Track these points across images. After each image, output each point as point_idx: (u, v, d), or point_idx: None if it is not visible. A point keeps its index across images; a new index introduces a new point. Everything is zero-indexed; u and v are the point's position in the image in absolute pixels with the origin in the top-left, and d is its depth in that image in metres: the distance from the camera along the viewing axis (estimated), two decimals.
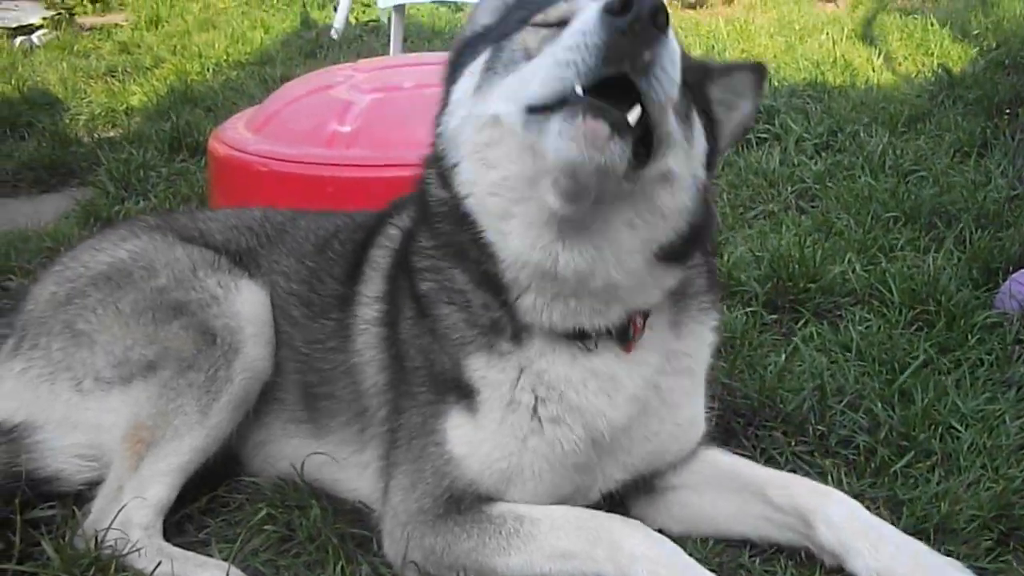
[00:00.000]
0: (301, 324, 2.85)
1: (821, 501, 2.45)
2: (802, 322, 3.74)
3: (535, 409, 2.39)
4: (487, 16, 2.52)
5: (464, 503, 2.41)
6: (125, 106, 7.28)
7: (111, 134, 6.73)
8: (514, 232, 2.23)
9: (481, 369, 2.42)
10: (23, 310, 2.93)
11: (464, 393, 2.43)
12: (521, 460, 2.40)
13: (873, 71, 7.67)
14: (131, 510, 2.55)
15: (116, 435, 2.67)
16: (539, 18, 2.24)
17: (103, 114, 7.13)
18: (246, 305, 2.82)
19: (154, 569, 2.45)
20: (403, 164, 3.84)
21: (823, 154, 5.65)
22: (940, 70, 7.10)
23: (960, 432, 2.99)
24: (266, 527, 2.66)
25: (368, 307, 2.71)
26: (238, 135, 4.25)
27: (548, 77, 2.01)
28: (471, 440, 2.42)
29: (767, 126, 6.01)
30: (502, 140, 2.18)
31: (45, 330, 2.81)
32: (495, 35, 2.36)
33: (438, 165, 2.38)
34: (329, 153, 3.94)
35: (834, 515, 2.40)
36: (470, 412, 2.42)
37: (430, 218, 2.46)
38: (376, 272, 2.74)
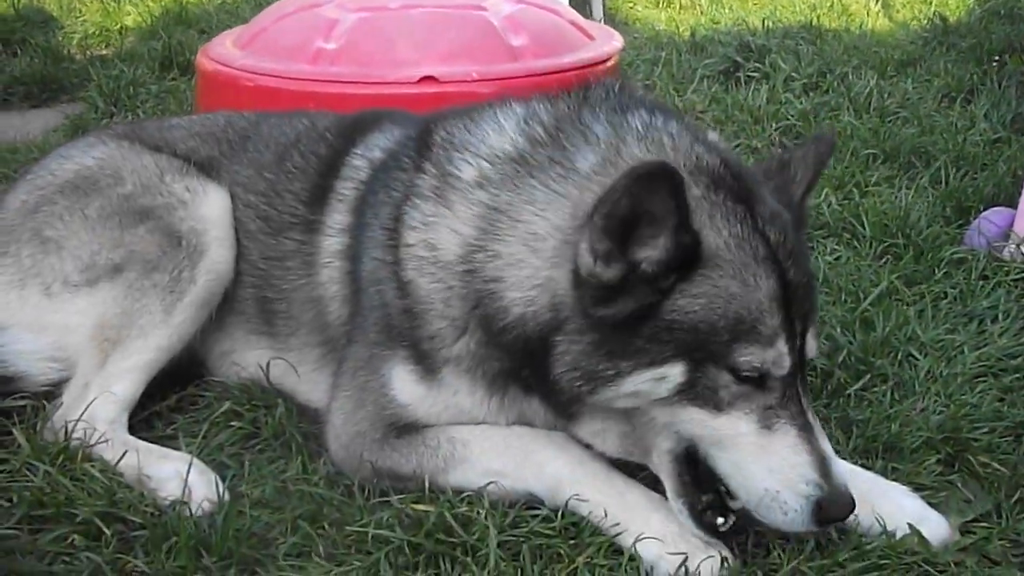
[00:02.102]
0: (258, 239, 2.86)
1: None
2: None
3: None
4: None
5: (402, 430, 2.49)
6: (119, 25, 7.22)
7: (104, 52, 6.72)
8: None
9: (465, 383, 2.43)
10: None
11: (421, 359, 2.44)
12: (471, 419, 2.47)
13: (868, 16, 7.64)
14: (97, 405, 2.62)
15: (83, 335, 2.72)
16: (745, 370, 2.10)
17: (97, 33, 7.08)
18: (212, 209, 2.85)
19: (119, 459, 2.51)
20: (386, 82, 3.91)
21: (810, 94, 5.63)
22: (936, 17, 7.07)
23: (918, 360, 3.04)
24: (232, 423, 2.73)
25: (332, 238, 2.71)
26: (225, 51, 4.27)
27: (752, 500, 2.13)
28: (421, 398, 2.47)
29: (757, 64, 6.00)
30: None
31: (15, 238, 2.84)
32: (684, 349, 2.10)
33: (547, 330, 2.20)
34: (313, 69, 3.98)
35: None
36: (424, 380, 2.45)
37: (488, 320, 2.30)
38: (342, 204, 2.72)
